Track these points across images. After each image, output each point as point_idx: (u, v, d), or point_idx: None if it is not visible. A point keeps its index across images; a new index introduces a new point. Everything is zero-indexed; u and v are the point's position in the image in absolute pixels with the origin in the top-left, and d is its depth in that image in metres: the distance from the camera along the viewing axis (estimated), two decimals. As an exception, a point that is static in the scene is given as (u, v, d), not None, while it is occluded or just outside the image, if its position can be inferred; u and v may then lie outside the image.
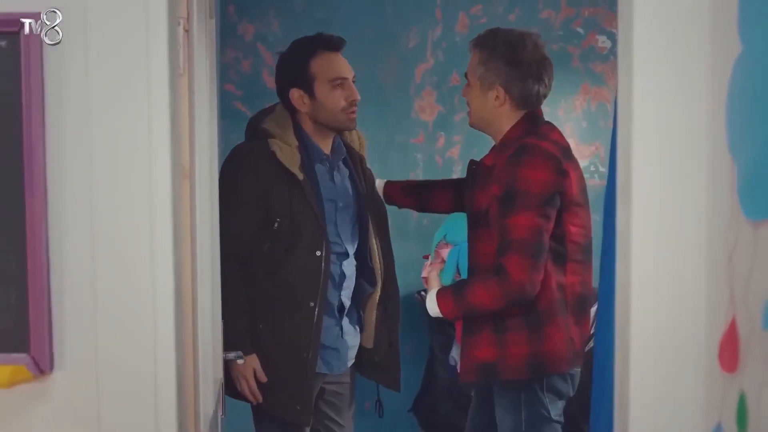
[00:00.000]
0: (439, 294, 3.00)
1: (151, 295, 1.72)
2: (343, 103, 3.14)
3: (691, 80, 1.59)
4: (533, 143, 2.93)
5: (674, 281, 1.62)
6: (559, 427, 3.08)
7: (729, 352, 1.47)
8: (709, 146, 1.59)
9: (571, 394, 3.11)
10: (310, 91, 3.14)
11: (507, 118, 3.03)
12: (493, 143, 3.14)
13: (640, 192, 1.62)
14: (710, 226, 1.59)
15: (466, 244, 3.04)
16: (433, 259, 3.18)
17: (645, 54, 1.59)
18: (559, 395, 3.05)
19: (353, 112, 3.18)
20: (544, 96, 3.08)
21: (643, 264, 1.62)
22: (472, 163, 3.13)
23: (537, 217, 2.84)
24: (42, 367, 1.72)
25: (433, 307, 3.01)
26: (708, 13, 1.58)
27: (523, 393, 3.00)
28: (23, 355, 1.71)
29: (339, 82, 3.14)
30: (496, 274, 2.85)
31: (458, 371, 3.12)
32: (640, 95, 1.60)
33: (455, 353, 3.21)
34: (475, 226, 3.01)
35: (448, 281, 3.10)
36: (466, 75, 3.11)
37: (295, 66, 3.16)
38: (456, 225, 3.12)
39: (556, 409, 3.05)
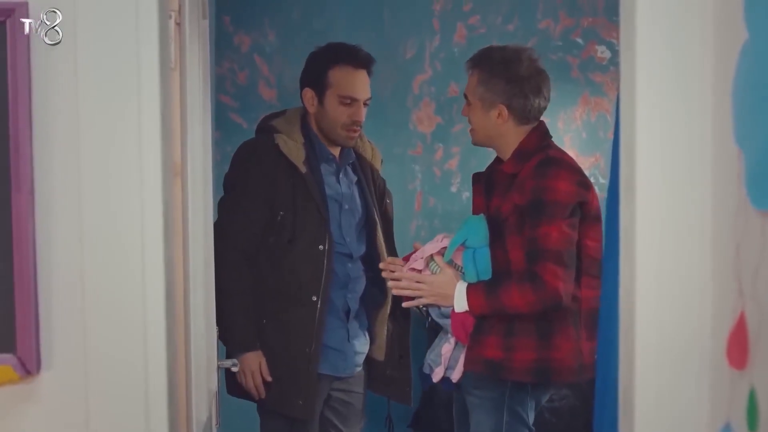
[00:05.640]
0: (470, 289, 2.98)
1: (141, 295, 1.68)
2: (344, 120, 3.18)
3: (695, 69, 1.57)
4: (559, 155, 3.05)
5: (680, 275, 1.58)
6: None
7: (738, 347, 1.44)
8: (714, 136, 1.56)
9: (542, 402, 3.17)
10: (320, 97, 3.20)
11: (512, 132, 3.06)
12: (494, 154, 3.18)
13: (644, 185, 1.59)
14: (716, 217, 1.56)
15: (482, 249, 3.01)
16: (422, 254, 3.08)
17: (648, 41, 1.57)
18: (538, 402, 3.11)
19: (354, 131, 3.21)
20: (544, 108, 3.13)
21: (647, 258, 1.59)
22: (490, 168, 3.17)
23: (567, 227, 2.92)
24: (29, 368, 1.67)
25: (461, 301, 2.99)
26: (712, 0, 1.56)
27: (508, 396, 3.02)
28: (9, 356, 1.66)
29: (348, 102, 3.16)
30: (531, 281, 2.89)
31: (432, 378, 3.13)
32: (643, 85, 1.58)
33: (431, 359, 3.17)
34: (494, 231, 3.01)
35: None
36: (465, 95, 3.13)
37: (317, 69, 3.22)
38: (475, 229, 3.06)
39: (531, 417, 3.09)
